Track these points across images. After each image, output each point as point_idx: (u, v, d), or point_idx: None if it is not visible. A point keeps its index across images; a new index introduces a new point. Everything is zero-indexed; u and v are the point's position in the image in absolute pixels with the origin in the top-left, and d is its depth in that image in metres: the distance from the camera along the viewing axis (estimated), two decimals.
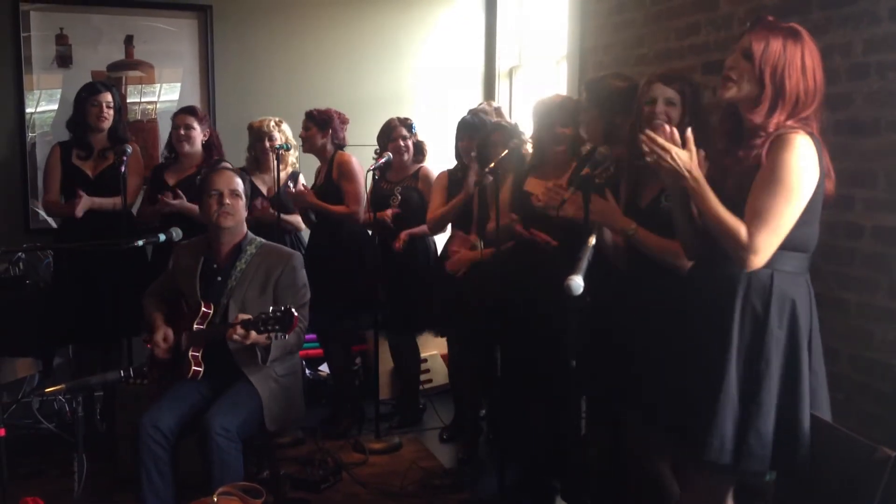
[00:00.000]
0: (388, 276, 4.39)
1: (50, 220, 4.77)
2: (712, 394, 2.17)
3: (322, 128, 4.40)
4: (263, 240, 3.43)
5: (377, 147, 4.52)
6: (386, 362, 4.86)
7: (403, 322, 4.50)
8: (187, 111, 4.37)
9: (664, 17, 3.75)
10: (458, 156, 4.25)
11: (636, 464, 2.85)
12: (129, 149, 4.15)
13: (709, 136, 2.43)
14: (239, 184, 3.34)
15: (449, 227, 4.28)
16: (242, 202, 3.34)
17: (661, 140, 2.16)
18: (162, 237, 3.56)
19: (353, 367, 4.90)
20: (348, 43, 5.43)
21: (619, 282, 2.72)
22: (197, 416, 3.13)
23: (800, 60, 2.15)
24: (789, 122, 2.15)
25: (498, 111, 4.54)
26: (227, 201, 3.27)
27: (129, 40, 5.04)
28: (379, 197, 4.41)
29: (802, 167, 2.10)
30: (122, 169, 4.02)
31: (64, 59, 4.93)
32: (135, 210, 4.43)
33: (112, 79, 4.87)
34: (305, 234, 4.70)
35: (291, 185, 4.42)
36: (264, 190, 4.56)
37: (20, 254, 4.41)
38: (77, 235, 4.14)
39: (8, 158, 4.88)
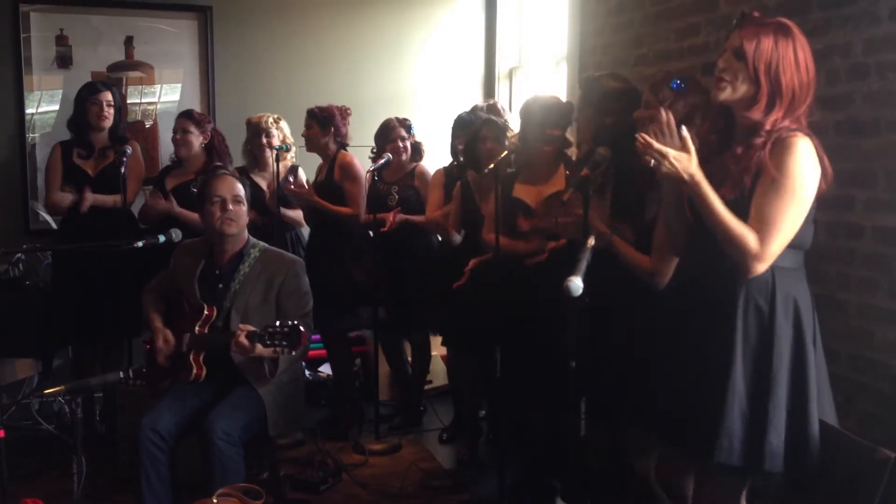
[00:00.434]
0: (387, 274, 4.39)
1: (49, 220, 4.77)
2: (718, 394, 2.15)
3: (324, 126, 4.40)
4: (266, 244, 3.41)
5: (374, 147, 4.52)
6: (386, 363, 4.85)
7: (404, 321, 4.50)
8: (184, 115, 4.40)
9: (664, 17, 3.75)
10: (454, 153, 4.26)
11: (632, 465, 2.85)
12: (129, 149, 4.15)
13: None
14: (241, 189, 3.32)
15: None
16: (244, 208, 3.32)
17: (656, 145, 2.13)
18: (161, 238, 3.56)
19: (354, 369, 4.90)
20: (348, 44, 5.44)
21: (618, 283, 2.71)
22: (196, 418, 3.12)
23: (792, 55, 2.12)
24: (787, 122, 2.13)
25: (493, 107, 4.53)
26: (231, 207, 3.26)
27: (129, 41, 5.04)
28: (376, 196, 4.41)
29: (806, 171, 2.10)
30: (122, 169, 4.03)
31: (64, 60, 4.93)
32: (136, 210, 4.44)
33: (112, 80, 4.87)
34: (305, 231, 4.70)
35: (291, 179, 4.42)
36: (264, 186, 4.56)
37: (20, 255, 4.40)
38: (77, 237, 4.14)
39: (8, 159, 4.88)
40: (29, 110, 4.89)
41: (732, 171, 2.18)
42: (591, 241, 2.40)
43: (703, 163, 2.17)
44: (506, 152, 3.44)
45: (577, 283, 2.15)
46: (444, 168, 4.32)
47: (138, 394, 3.67)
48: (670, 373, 2.30)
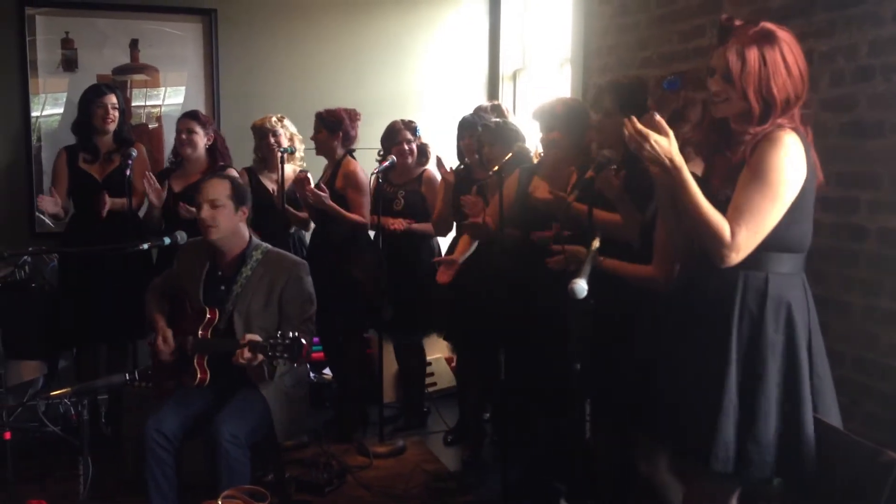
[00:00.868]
0: (392, 277, 4.39)
1: (46, 220, 4.78)
2: (714, 401, 2.15)
3: (332, 130, 4.40)
4: (269, 246, 3.39)
5: (380, 150, 4.52)
6: (390, 365, 4.86)
7: (408, 324, 4.50)
8: (190, 116, 4.37)
9: (668, 19, 3.75)
10: (460, 155, 4.26)
11: (639, 467, 2.85)
12: (135, 152, 4.15)
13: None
14: (221, 192, 3.23)
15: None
16: (227, 210, 3.23)
17: (639, 125, 2.11)
18: (167, 241, 3.57)
19: (356, 372, 4.90)
20: (353, 46, 5.44)
21: (620, 288, 2.71)
22: (201, 419, 3.13)
23: (781, 62, 2.10)
24: (780, 121, 2.13)
25: (497, 108, 4.53)
26: (205, 214, 3.22)
27: (134, 44, 5.05)
28: (382, 199, 4.41)
29: (787, 165, 2.08)
30: (128, 172, 4.04)
31: (69, 63, 4.95)
32: (142, 213, 4.45)
33: (117, 82, 4.89)
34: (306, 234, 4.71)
35: (308, 177, 4.41)
36: (273, 188, 4.57)
37: (26, 257, 4.41)
38: (83, 239, 4.15)
39: (14, 162, 4.89)
40: (34, 113, 4.90)
41: (726, 168, 2.18)
42: (596, 243, 2.41)
43: (704, 162, 2.17)
44: (510, 154, 3.45)
45: (581, 286, 2.16)
46: (453, 170, 4.32)
47: (143, 396, 3.67)
48: (670, 377, 2.30)
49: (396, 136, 4.45)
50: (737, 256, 2.10)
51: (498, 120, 3.98)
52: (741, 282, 2.16)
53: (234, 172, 4.33)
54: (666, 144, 2.10)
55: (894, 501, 2.00)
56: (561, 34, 4.92)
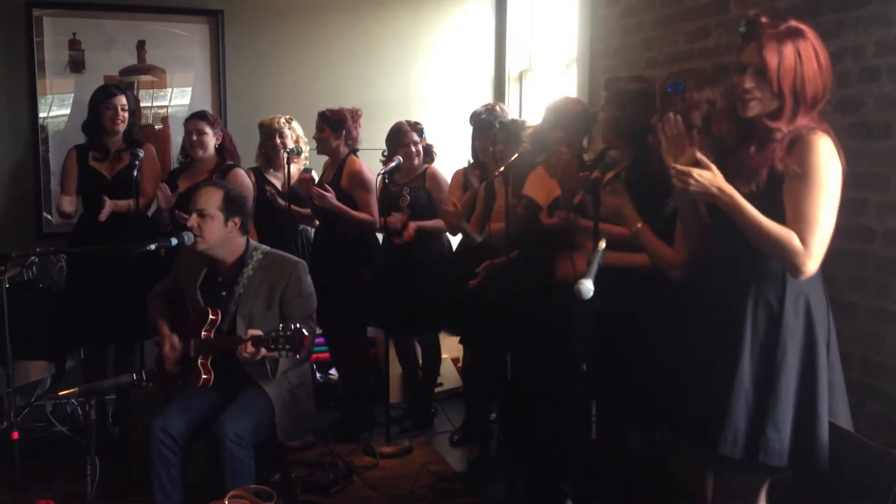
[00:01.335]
0: (401, 274, 4.39)
1: (52, 219, 4.79)
2: (724, 388, 2.16)
3: (336, 129, 4.41)
4: (267, 248, 3.39)
5: (385, 150, 4.52)
6: (396, 365, 4.87)
7: (416, 321, 4.50)
8: (199, 116, 4.38)
9: (674, 20, 3.75)
10: (474, 154, 4.26)
11: (649, 467, 2.85)
12: (142, 152, 4.17)
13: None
14: (211, 202, 3.22)
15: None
16: (217, 221, 3.21)
17: (678, 166, 2.15)
18: (174, 241, 3.58)
19: (363, 372, 4.91)
20: (359, 46, 5.45)
21: (628, 282, 2.71)
22: (207, 420, 3.14)
23: (814, 58, 2.13)
24: (805, 120, 2.14)
25: (491, 110, 4.50)
26: (190, 224, 3.21)
27: (141, 45, 5.07)
28: (387, 198, 4.42)
29: (831, 167, 2.11)
30: (135, 172, 4.05)
31: (77, 64, 4.96)
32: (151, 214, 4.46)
33: (124, 83, 4.90)
34: (313, 232, 4.72)
35: (314, 175, 4.40)
36: (278, 185, 4.58)
37: (33, 258, 4.43)
38: (91, 239, 4.17)
39: (21, 163, 4.91)
40: (41, 114, 4.91)
41: (749, 165, 2.18)
42: (602, 244, 2.40)
43: (720, 157, 2.18)
44: (517, 154, 3.45)
45: (587, 286, 2.15)
46: (464, 169, 4.33)
47: (151, 396, 3.68)
48: (681, 367, 2.32)
49: (402, 137, 4.45)
50: (812, 264, 2.10)
51: (515, 119, 3.97)
52: (756, 273, 2.17)
53: (241, 172, 4.34)
54: (710, 177, 2.12)
55: None
56: (567, 35, 4.92)
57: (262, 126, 4.63)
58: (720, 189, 2.12)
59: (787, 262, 2.11)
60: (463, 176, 4.29)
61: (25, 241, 4.69)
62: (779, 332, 2.15)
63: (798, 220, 2.10)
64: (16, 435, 3.12)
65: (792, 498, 2.35)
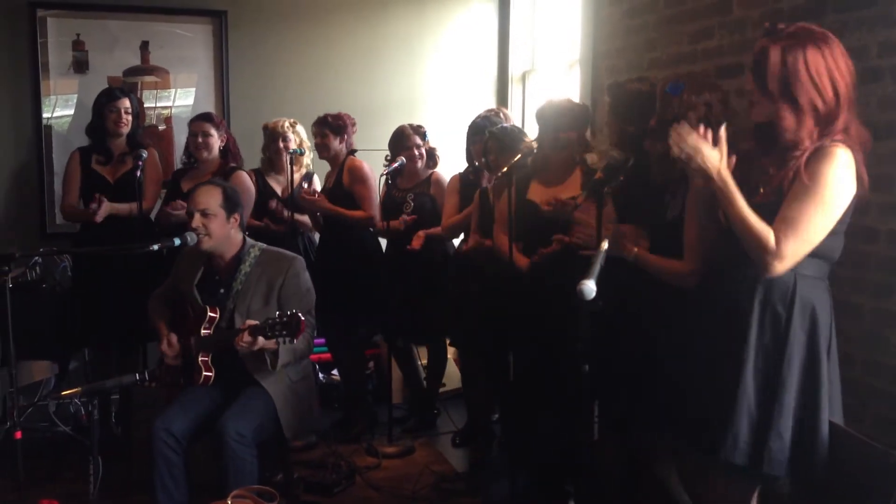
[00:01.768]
0: (403, 281, 4.39)
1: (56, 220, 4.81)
2: (728, 392, 2.16)
3: (337, 133, 4.42)
4: (264, 245, 3.41)
5: (388, 154, 4.52)
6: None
7: (419, 327, 4.50)
8: (204, 118, 4.38)
9: (677, 20, 3.75)
10: (469, 158, 4.26)
11: (646, 469, 2.85)
12: (145, 154, 4.17)
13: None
14: (212, 201, 3.25)
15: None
16: (220, 217, 3.25)
17: (692, 139, 2.14)
18: (177, 241, 3.59)
19: (367, 371, 4.91)
20: (362, 48, 5.46)
21: (632, 284, 2.71)
22: (209, 419, 3.15)
23: (823, 67, 2.09)
24: (828, 132, 2.12)
25: (504, 116, 4.52)
26: (195, 224, 3.23)
27: (144, 46, 5.08)
28: (391, 203, 4.42)
29: (840, 180, 2.09)
30: (139, 174, 4.06)
31: (80, 65, 4.97)
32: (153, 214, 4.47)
33: (128, 84, 4.91)
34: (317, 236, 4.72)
35: (306, 185, 4.43)
36: (279, 191, 4.58)
37: (37, 258, 4.44)
38: (95, 240, 4.17)
39: (25, 164, 4.92)
40: (45, 115, 4.93)
41: (770, 174, 2.18)
42: (605, 245, 2.40)
43: (739, 164, 2.18)
44: (518, 156, 3.45)
45: (590, 287, 2.15)
46: (460, 174, 4.32)
47: (154, 396, 3.69)
48: (685, 370, 2.32)
49: (405, 140, 4.45)
50: (781, 265, 2.10)
51: (504, 125, 3.98)
52: (766, 280, 2.16)
53: (243, 174, 4.35)
54: (716, 159, 2.13)
55: None
56: (570, 36, 4.92)
57: (266, 129, 4.63)
58: (719, 172, 2.12)
59: (759, 258, 2.12)
60: (459, 181, 4.29)
61: (29, 242, 4.72)
62: (785, 342, 2.15)
63: (783, 222, 2.10)
64: (19, 434, 3.12)
65: (793, 499, 2.35)
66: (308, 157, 4.65)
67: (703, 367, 2.27)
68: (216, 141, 4.33)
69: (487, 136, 3.86)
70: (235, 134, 4.66)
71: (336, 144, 4.43)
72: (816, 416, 2.15)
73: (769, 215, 2.12)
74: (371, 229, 4.47)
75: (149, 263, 4.15)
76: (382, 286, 4.37)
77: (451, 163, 4.61)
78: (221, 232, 3.27)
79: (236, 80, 5.23)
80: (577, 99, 4.28)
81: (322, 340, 4.61)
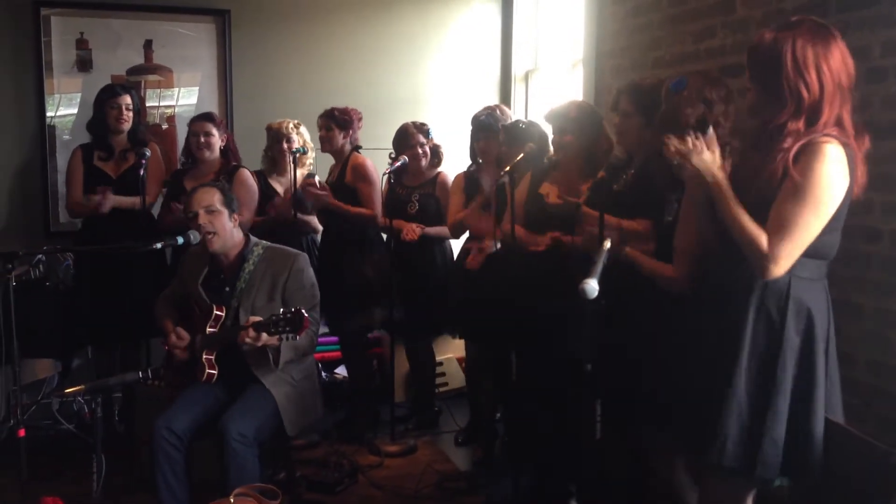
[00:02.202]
0: (403, 278, 4.40)
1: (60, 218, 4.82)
2: (719, 396, 2.16)
3: (343, 128, 4.43)
4: (267, 243, 3.43)
5: (391, 152, 4.53)
6: (402, 365, 4.87)
7: (420, 325, 4.51)
8: (205, 118, 4.39)
9: (680, 20, 3.74)
10: (472, 156, 4.26)
11: (651, 468, 2.85)
12: (149, 151, 4.18)
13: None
14: (215, 198, 3.28)
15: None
16: (225, 214, 3.28)
17: (684, 143, 2.14)
18: (180, 240, 3.60)
19: (370, 370, 4.91)
20: (365, 47, 5.46)
21: (631, 285, 2.71)
22: (211, 418, 3.15)
23: (810, 59, 2.09)
24: (817, 127, 2.11)
25: (501, 112, 4.50)
26: (202, 222, 3.25)
27: (148, 45, 5.08)
28: (395, 202, 4.42)
29: (830, 177, 2.07)
30: (142, 171, 4.06)
31: (84, 64, 4.98)
32: (156, 212, 4.48)
33: (131, 83, 4.91)
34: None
35: (316, 179, 4.42)
36: (281, 191, 4.59)
37: (40, 256, 4.45)
38: (97, 238, 4.18)
39: (29, 162, 4.93)
40: (49, 113, 4.93)
41: (759, 173, 2.17)
42: (608, 244, 2.41)
43: (733, 163, 2.18)
44: (521, 155, 3.45)
45: (592, 286, 2.15)
46: (464, 172, 4.33)
47: (157, 394, 3.70)
48: (678, 371, 2.32)
49: (409, 139, 4.45)
50: (776, 268, 2.09)
51: (518, 121, 3.98)
52: (760, 282, 2.15)
53: (246, 173, 4.36)
54: (710, 160, 2.13)
55: None
56: (573, 35, 4.92)
57: (269, 129, 4.64)
58: (713, 175, 2.13)
59: (753, 262, 2.11)
60: (464, 179, 4.28)
61: (33, 240, 4.72)
62: (779, 346, 2.14)
63: (775, 223, 2.08)
64: (22, 432, 3.14)
65: (794, 498, 2.36)
66: (311, 157, 4.65)
67: (697, 369, 2.26)
68: (217, 141, 4.35)
69: (501, 128, 3.87)
70: (238, 133, 4.68)
71: (340, 139, 4.44)
72: (811, 418, 2.14)
73: (762, 213, 2.12)
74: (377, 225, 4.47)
75: (151, 262, 4.17)
76: (383, 277, 4.37)
77: (456, 162, 4.61)
78: (227, 229, 3.29)
79: (239, 79, 5.23)
80: (580, 98, 4.28)
81: (329, 339, 4.63)
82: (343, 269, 4.34)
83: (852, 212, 2.78)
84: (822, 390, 2.16)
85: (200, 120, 4.39)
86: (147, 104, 5.07)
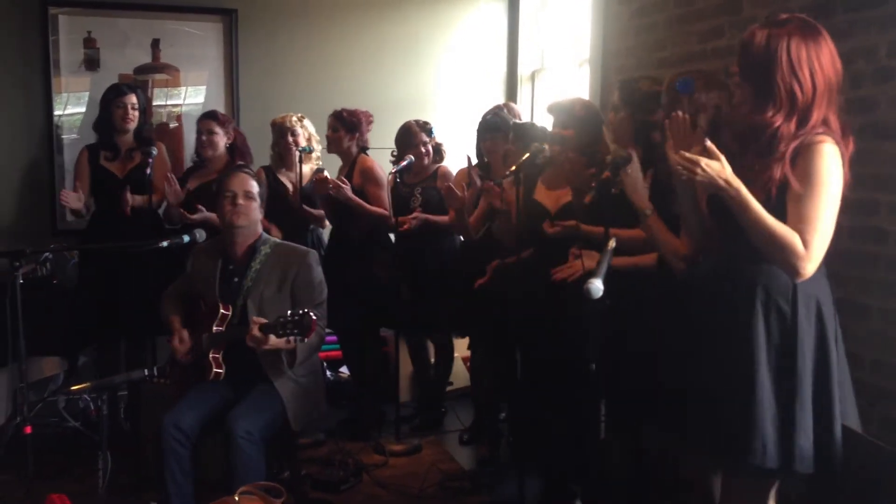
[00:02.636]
0: (411, 276, 4.40)
1: (69, 216, 4.83)
2: (744, 397, 2.13)
3: (350, 130, 4.43)
4: (277, 239, 3.47)
5: (394, 150, 4.53)
6: (406, 365, 4.87)
7: (427, 321, 4.51)
8: (209, 116, 4.41)
9: (686, 20, 3.74)
10: (479, 156, 4.26)
11: (661, 468, 2.84)
12: (155, 150, 4.20)
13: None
14: (254, 186, 3.37)
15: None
16: (256, 204, 3.37)
17: (687, 154, 2.10)
18: (186, 238, 3.61)
19: (379, 370, 4.91)
20: (372, 46, 5.46)
21: (636, 285, 2.71)
22: (218, 415, 3.16)
23: (803, 57, 2.09)
24: (809, 126, 2.11)
25: (498, 112, 4.49)
26: (241, 202, 3.31)
27: (155, 44, 5.10)
28: (399, 199, 4.42)
29: (833, 174, 2.08)
30: (148, 170, 4.08)
31: (91, 63, 5.00)
32: (161, 211, 4.49)
33: (139, 82, 4.93)
34: (324, 233, 4.73)
35: (325, 174, 4.41)
36: (289, 187, 4.59)
37: (47, 254, 4.47)
38: (103, 236, 4.19)
39: (36, 160, 4.94)
40: (56, 112, 4.95)
41: (755, 171, 2.15)
42: (612, 244, 2.40)
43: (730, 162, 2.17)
44: (527, 154, 3.44)
45: (597, 286, 2.15)
46: (466, 168, 4.31)
47: (162, 392, 3.70)
48: (694, 376, 2.29)
49: (411, 137, 4.45)
50: (811, 266, 2.08)
51: (529, 122, 3.98)
52: (763, 277, 2.14)
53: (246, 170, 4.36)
54: (718, 168, 2.08)
55: None
56: (579, 35, 4.92)
57: (274, 124, 4.64)
58: (727, 181, 2.07)
59: (787, 264, 2.09)
60: (468, 175, 4.28)
61: (40, 238, 4.74)
62: (795, 338, 2.13)
63: (800, 222, 2.07)
64: (28, 430, 3.15)
65: (803, 499, 2.35)
66: (318, 151, 4.66)
67: (711, 372, 2.23)
68: (221, 139, 4.36)
69: (512, 126, 3.87)
70: (246, 131, 4.67)
71: (346, 141, 4.45)
72: (830, 408, 2.13)
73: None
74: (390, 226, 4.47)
75: (157, 260, 4.17)
76: (392, 280, 4.37)
77: (460, 161, 4.60)
78: (256, 216, 3.37)
79: (246, 78, 5.25)
80: (586, 98, 4.27)
81: (331, 338, 4.62)
82: (351, 267, 4.34)
83: (858, 213, 2.79)
84: (837, 382, 2.14)
85: (204, 118, 4.43)
86: (154, 103, 5.09)
